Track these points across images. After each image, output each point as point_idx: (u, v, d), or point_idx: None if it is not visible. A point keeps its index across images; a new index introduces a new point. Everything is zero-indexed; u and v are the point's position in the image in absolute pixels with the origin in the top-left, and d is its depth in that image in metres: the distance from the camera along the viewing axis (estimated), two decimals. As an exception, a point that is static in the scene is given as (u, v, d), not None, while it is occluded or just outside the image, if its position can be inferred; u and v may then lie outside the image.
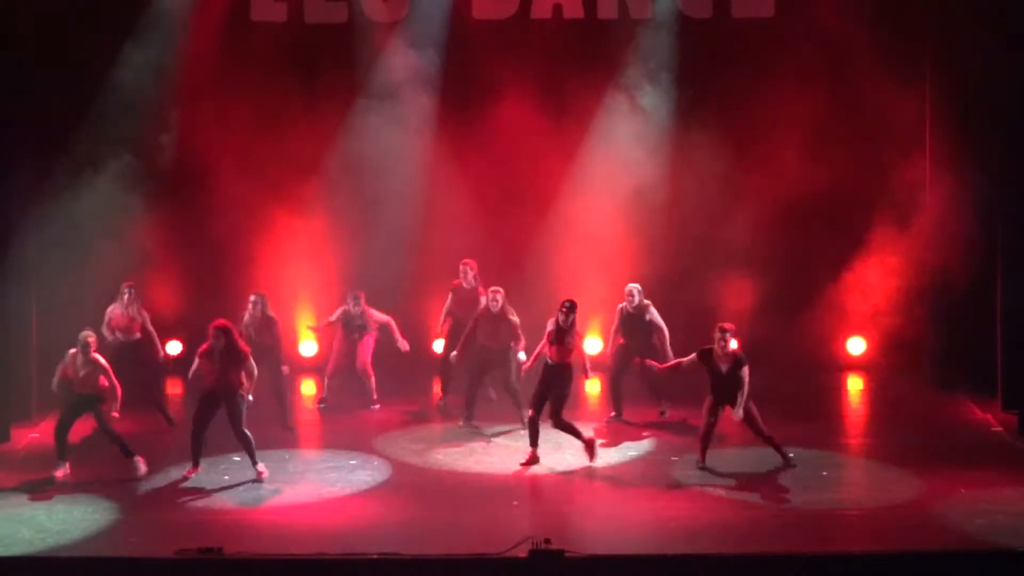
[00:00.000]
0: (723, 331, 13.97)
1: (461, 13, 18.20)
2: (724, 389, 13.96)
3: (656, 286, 17.07)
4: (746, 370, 13.88)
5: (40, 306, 16.56)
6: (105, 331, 15.89)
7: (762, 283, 18.06)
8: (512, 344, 15.66)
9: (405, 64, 18.22)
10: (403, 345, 16.79)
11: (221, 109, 17.85)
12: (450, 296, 16.79)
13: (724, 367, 13.91)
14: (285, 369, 16.20)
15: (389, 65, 18.25)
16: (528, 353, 15.20)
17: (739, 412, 13.85)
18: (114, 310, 16.09)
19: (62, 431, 14.08)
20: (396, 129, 18.28)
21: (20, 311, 15.97)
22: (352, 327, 16.69)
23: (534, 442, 14.40)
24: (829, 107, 17.80)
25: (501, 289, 15.82)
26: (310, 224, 18.21)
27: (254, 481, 13.79)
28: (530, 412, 14.37)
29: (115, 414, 14.16)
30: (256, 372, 14.13)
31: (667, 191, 18.24)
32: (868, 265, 17.97)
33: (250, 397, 14.10)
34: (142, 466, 14.10)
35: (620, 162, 18.35)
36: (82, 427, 15.48)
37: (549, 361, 14.31)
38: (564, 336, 14.23)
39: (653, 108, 18.25)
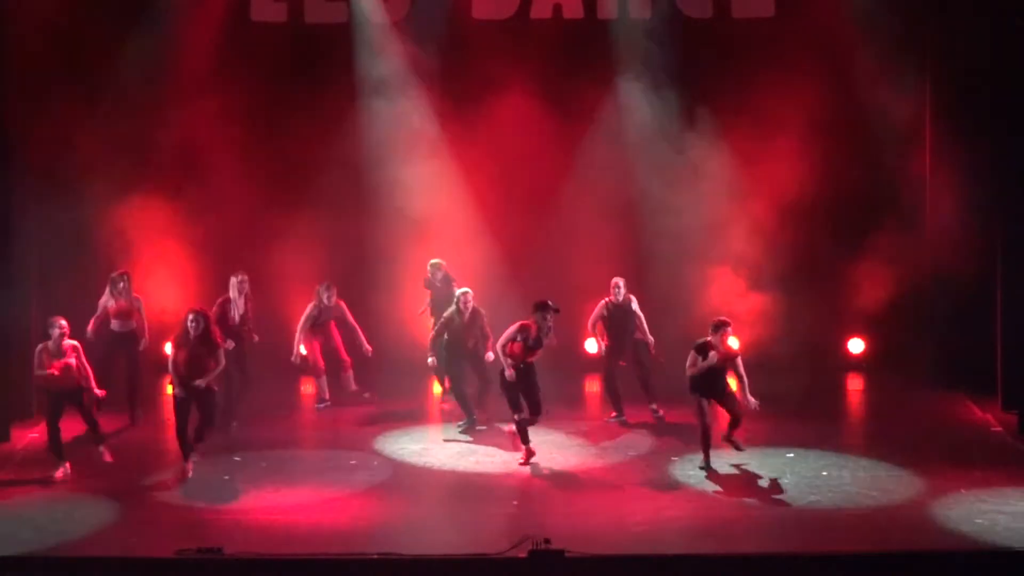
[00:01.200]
0: (723, 325, 14.00)
1: (461, 13, 18.21)
2: (714, 381, 13.97)
3: (656, 286, 17.09)
4: (740, 362, 14.00)
5: (40, 306, 16.56)
6: (109, 321, 15.93)
7: (762, 283, 18.05)
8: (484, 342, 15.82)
9: (405, 64, 18.22)
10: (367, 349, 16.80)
11: (221, 109, 17.84)
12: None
13: (719, 363, 13.93)
14: (255, 337, 16.22)
15: (389, 65, 18.25)
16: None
17: (750, 400, 13.99)
18: (109, 300, 16.04)
19: (54, 431, 14.04)
20: (396, 129, 18.28)
21: (20, 311, 15.96)
22: (326, 319, 16.68)
23: (525, 440, 14.42)
24: (829, 107, 17.80)
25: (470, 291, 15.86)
26: (310, 223, 18.20)
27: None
28: (522, 415, 14.39)
29: (100, 392, 14.19)
30: (224, 364, 14.07)
31: (667, 191, 18.23)
32: (868, 265, 17.96)
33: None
34: (107, 455, 14.10)
35: (619, 161, 18.35)
36: (80, 426, 15.51)
37: (522, 364, 14.34)
38: (538, 339, 14.28)
39: (653, 108, 18.24)
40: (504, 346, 14.33)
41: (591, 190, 18.31)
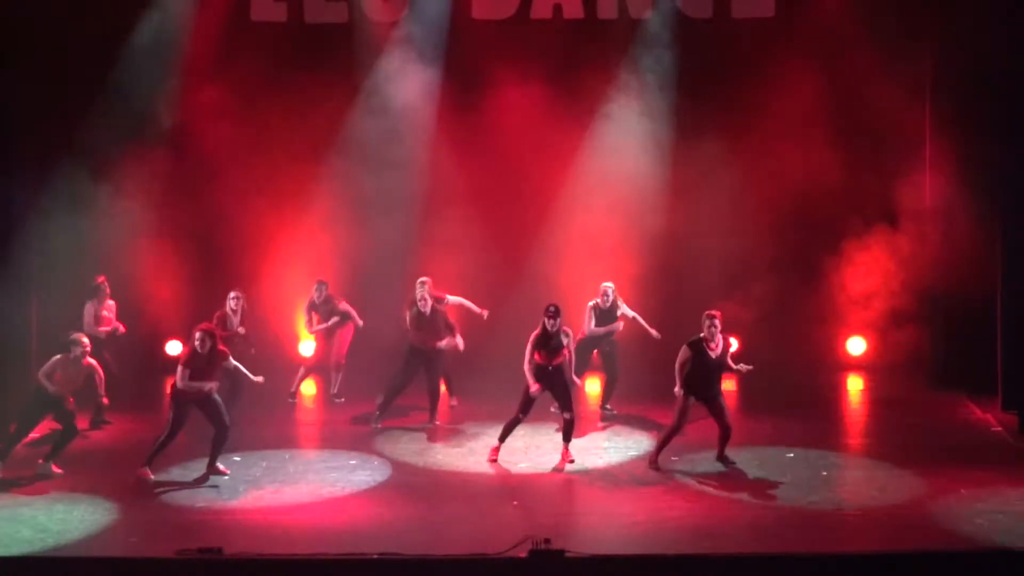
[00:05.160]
0: (712, 318, 13.99)
1: (461, 13, 18.21)
2: (710, 377, 13.96)
3: (655, 285, 17.12)
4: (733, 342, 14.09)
5: (40, 306, 16.56)
6: (95, 329, 15.91)
7: (762, 283, 18.06)
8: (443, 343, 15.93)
9: (404, 64, 18.23)
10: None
11: (221, 109, 17.86)
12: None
13: (715, 353, 13.94)
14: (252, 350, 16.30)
15: (389, 65, 18.26)
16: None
17: (742, 366, 14.07)
18: (98, 307, 16.09)
19: (23, 435, 14.26)
20: (395, 129, 18.29)
21: (20, 312, 15.96)
22: (320, 314, 16.95)
23: (502, 438, 14.54)
24: (829, 108, 17.82)
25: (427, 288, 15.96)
26: (310, 223, 18.21)
27: (215, 476, 13.93)
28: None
29: (105, 400, 14.54)
30: (237, 366, 14.16)
31: (666, 191, 18.25)
32: (868, 265, 17.97)
33: (260, 379, 14.19)
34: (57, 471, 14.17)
35: (620, 162, 18.36)
36: (80, 426, 15.51)
37: (548, 367, 14.28)
38: (551, 341, 14.24)
39: (652, 108, 18.25)
40: (528, 361, 14.29)
41: (591, 189, 18.32)
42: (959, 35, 16.70)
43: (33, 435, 15.53)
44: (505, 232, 18.43)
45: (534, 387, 14.22)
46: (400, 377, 16.01)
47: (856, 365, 18.66)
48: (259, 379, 14.21)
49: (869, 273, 18.00)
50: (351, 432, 15.92)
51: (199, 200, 18.13)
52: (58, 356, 14.11)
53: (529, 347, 14.26)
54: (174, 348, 18.22)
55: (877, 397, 17.82)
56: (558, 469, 14.22)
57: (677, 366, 13.97)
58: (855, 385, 18.30)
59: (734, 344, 14.39)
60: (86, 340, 14.25)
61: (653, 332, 16.06)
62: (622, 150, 18.38)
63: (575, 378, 14.64)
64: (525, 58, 18.02)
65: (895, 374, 18.08)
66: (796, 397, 17.00)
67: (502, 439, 14.50)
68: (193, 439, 14.52)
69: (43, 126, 16.92)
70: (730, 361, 14.09)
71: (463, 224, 18.24)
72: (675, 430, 14.09)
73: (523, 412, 14.34)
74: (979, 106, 16.55)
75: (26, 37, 16.37)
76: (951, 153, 17.01)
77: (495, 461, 14.47)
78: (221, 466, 14.07)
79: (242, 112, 17.95)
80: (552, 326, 14.20)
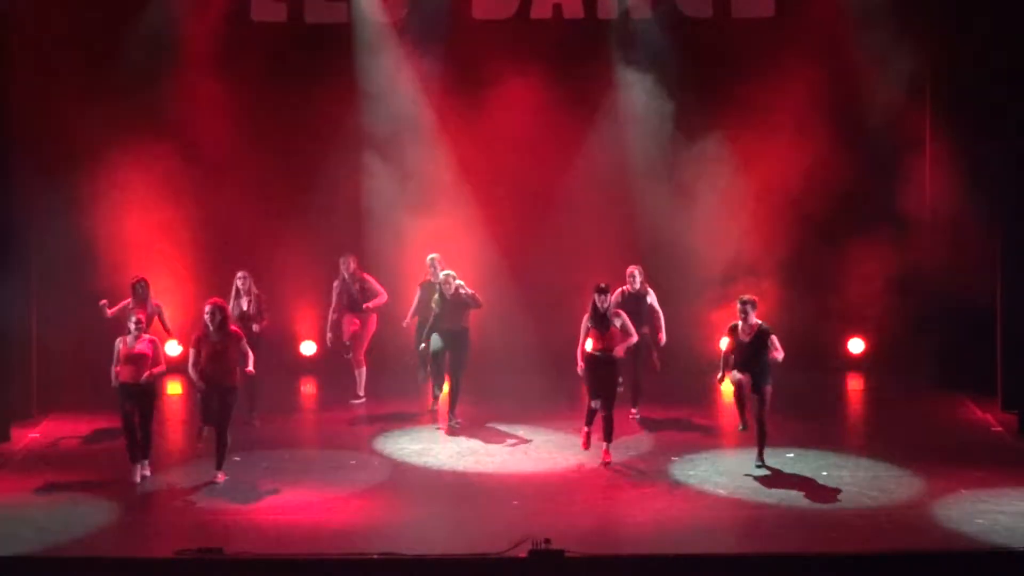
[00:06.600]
0: (745, 303, 14.09)
1: (461, 13, 18.21)
2: (746, 360, 14.01)
3: (653, 284, 17.06)
4: (774, 339, 14.04)
5: (40, 306, 16.56)
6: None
7: (762, 283, 18.05)
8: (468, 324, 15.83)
9: (404, 64, 18.24)
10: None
11: (221, 109, 17.85)
12: (419, 293, 16.83)
13: (747, 338, 14.01)
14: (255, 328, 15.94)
15: (389, 65, 18.26)
16: None
17: (779, 354, 14.02)
18: (135, 308, 15.35)
19: (130, 432, 13.87)
20: (395, 129, 18.29)
21: (20, 311, 15.96)
22: (351, 296, 16.72)
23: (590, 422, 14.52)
24: (829, 107, 17.80)
25: (453, 271, 15.90)
26: (310, 221, 18.21)
27: (212, 482, 13.75)
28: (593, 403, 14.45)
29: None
30: (250, 353, 14.04)
31: (666, 191, 18.25)
32: (868, 265, 17.95)
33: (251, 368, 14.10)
34: (147, 472, 14.00)
35: (619, 161, 18.36)
36: (80, 426, 15.56)
37: (598, 354, 14.29)
38: (603, 320, 14.27)
39: (652, 108, 18.24)
40: (581, 344, 14.42)
41: (591, 189, 18.32)
42: (959, 35, 16.70)
43: (33, 434, 15.62)
44: (505, 231, 18.41)
45: (581, 365, 14.33)
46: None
47: (856, 365, 18.66)
48: (249, 369, 14.11)
49: (869, 273, 17.98)
50: (351, 432, 15.92)
51: (199, 200, 18.12)
52: (118, 339, 14.00)
53: (582, 330, 14.37)
54: (174, 348, 18.18)
55: (877, 397, 17.81)
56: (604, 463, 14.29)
57: (723, 354, 14.28)
58: (855, 385, 18.30)
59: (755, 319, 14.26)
60: (140, 317, 14.14)
61: (661, 337, 15.98)
62: (622, 150, 18.38)
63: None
64: (525, 58, 18.01)
65: (895, 374, 18.08)
66: (796, 397, 16.98)
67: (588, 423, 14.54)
68: (193, 438, 14.52)
69: (42, 125, 16.90)
70: (775, 346, 14.04)
71: (463, 223, 18.22)
72: (759, 423, 14.13)
73: (593, 397, 14.39)
74: (979, 106, 16.55)
75: (25, 36, 16.35)
76: (951, 153, 17.01)
77: (587, 448, 14.49)
78: (219, 472, 13.86)
79: (242, 112, 17.93)
80: (602, 303, 14.27)
